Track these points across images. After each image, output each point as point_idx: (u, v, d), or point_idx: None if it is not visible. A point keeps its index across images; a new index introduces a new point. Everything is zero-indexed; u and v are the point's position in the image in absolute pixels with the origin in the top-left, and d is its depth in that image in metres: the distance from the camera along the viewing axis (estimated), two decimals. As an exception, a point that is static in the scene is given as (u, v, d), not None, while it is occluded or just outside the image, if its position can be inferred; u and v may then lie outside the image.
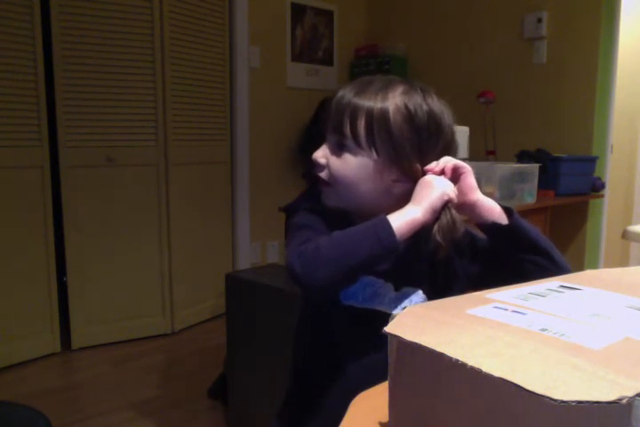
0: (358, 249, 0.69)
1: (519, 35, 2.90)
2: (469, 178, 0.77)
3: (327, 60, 3.52)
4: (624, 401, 0.31)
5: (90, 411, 2.00)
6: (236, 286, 1.69)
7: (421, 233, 0.76)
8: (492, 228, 0.77)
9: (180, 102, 2.73)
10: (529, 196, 2.19)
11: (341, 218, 0.79)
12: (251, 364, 1.69)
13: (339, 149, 0.78)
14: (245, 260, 3.19)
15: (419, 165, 0.77)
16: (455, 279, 0.84)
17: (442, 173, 0.76)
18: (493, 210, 0.77)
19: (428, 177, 0.75)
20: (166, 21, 2.61)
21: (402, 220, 0.71)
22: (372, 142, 0.76)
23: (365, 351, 0.78)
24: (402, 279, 0.81)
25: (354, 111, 0.76)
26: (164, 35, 2.61)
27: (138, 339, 2.70)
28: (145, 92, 2.61)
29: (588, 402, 0.31)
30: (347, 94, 0.78)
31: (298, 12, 3.33)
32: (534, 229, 0.79)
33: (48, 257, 2.46)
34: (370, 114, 0.76)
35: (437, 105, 0.79)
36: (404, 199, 0.75)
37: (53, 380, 2.29)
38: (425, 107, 0.77)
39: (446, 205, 0.74)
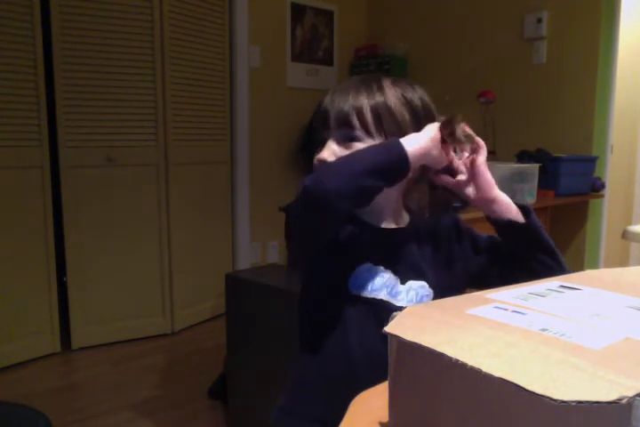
0: (365, 158, 0.71)
1: (519, 35, 2.90)
2: (487, 174, 0.80)
3: (327, 60, 3.52)
4: (624, 401, 0.31)
5: (90, 411, 2.00)
6: (236, 285, 1.69)
7: (422, 222, 0.81)
8: (507, 225, 0.80)
9: (180, 102, 2.73)
10: (529, 196, 2.19)
11: None
12: (251, 364, 1.69)
13: (348, 142, 0.80)
14: (245, 260, 3.19)
15: None
16: (458, 276, 0.86)
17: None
18: (510, 207, 0.80)
19: None
20: (166, 21, 2.61)
21: (410, 139, 0.74)
22: (380, 128, 0.79)
23: (373, 342, 0.78)
24: (407, 273, 0.82)
25: (358, 105, 0.79)
26: (164, 35, 2.61)
27: (138, 339, 2.70)
28: (145, 92, 2.62)
29: (588, 402, 0.31)
30: (343, 96, 0.80)
31: (298, 12, 3.33)
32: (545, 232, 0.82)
33: (48, 257, 2.46)
34: (373, 104, 0.79)
35: (424, 93, 0.84)
36: (404, 190, 0.81)
37: (53, 380, 2.29)
38: (416, 94, 0.82)
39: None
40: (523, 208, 0.80)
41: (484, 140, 0.82)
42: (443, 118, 0.78)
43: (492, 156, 2.67)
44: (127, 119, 2.59)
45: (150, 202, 2.70)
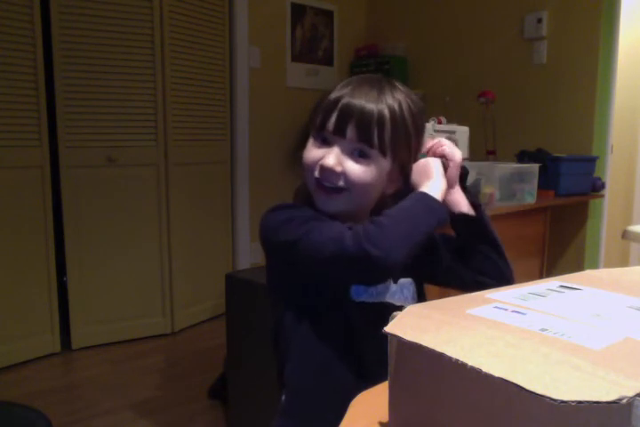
0: (423, 223, 0.73)
1: (519, 35, 2.90)
2: (454, 170, 0.84)
3: (327, 60, 3.52)
4: (624, 401, 0.31)
5: (90, 411, 2.00)
6: (236, 285, 1.69)
7: None
8: (459, 217, 0.84)
9: (180, 102, 2.73)
10: (529, 196, 2.19)
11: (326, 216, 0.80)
12: (251, 364, 1.69)
13: (360, 157, 0.78)
14: (245, 260, 3.19)
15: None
16: (421, 272, 0.89)
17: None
18: (463, 201, 0.85)
19: (420, 161, 0.82)
20: (166, 21, 2.61)
21: (437, 192, 0.77)
22: (395, 150, 0.79)
23: (381, 345, 0.77)
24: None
25: (381, 120, 0.77)
26: (164, 35, 2.61)
27: (138, 339, 2.70)
28: (145, 92, 2.61)
29: (587, 402, 0.31)
30: (367, 101, 0.77)
31: (298, 12, 3.33)
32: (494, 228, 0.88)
33: (48, 257, 2.46)
34: (394, 121, 0.77)
35: (422, 105, 0.85)
36: (386, 199, 0.83)
37: (53, 380, 2.29)
38: (416, 100, 0.83)
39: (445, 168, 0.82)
40: (473, 203, 0.86)
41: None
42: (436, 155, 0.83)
43: (493, 156, 2.67)
44: (127, 119, 2.59)
45: (150, 202, 2.70)
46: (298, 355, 0.83)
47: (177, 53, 2.69)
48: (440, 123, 1.91)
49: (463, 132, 1.99)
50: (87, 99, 2.49)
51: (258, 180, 3.21)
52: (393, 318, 0.46)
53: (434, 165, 0.80)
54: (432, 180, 0.78)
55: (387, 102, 0.77)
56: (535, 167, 2.23)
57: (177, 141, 2.74)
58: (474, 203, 0.86)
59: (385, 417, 0.48)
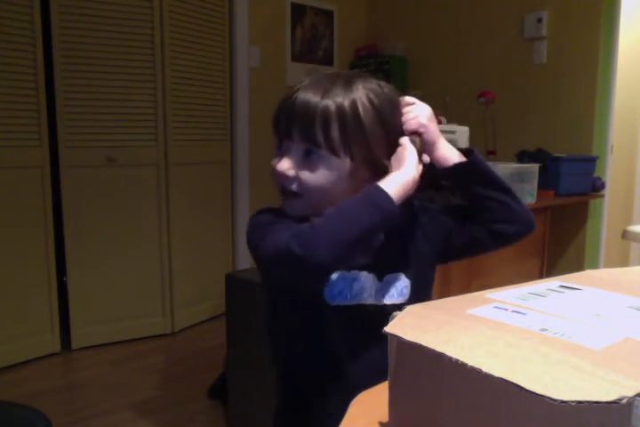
0: (359, 219, 0.67)
1: (519, 35, 2.90)
2: (432, 126, 0.80)
3: (327, 60, 3.52)
4: (624, 401, 0.31)
5: (90, 411, 2.00)
6: (236, 285, 1.69)
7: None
8: (453, 169, 0.80)
9: (180, 102, 2.73)
10: (529, 196, 2.19)
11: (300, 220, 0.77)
12: (251, 364, 1.69)
13: (310, 160, 0.75)
14: (245, 260, 3.18)
15: (387, 162, 0.77)
16: (425, 254, 0.84)
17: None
18: (453, 152, 0.81)
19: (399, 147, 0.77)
20: (166, 21, 2.61)
21: (394, 184, 0.71)
22: (348, 149, 0.74)
23: (364, 348, 0.77)
24: (383, 268, 0.80)
25: (325, 116, 0.73)
26: (164, 35, 2.61)
27: (138, 339, 2.70)
28: (145, 92, 2.61)
29: (588, 402, 0.31)
30: (311, 96, 0.74)
31: (298, 12, 3.33)
32: (494, 169, 0.83)
33: (48, 257, 2.46)
34: (342, 117, 0.73)
35: (393, 93, 0.79)
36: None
37: (53, 380, 2.29)
38: (384, 94, 0.77)
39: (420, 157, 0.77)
40: (467, 150, 0.82)
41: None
42: (415, 139, 0.77)
43: (493, 156, 2.67)
44: (127, 119, 2.59)
45: (150, 202, 2.70)
46: (282, 357, 0.85)
47: (177, 53, 2.69)
48: (440, 123, 1.91)
49: (463, 132, 1.99)
50: (87, 99, 2.49)
51: (258, 180, 3.21)
52: (393, 319, 0.46)
53: (407, 148, 0.75)
54: (403, 167, 0.73)
55: (334, 99, 0.73)
56: (535, 167, 2.22)
57: (177, 141, 2.74)
58: (466, 150, 0.81)
59: (385, 417, 0.48)
